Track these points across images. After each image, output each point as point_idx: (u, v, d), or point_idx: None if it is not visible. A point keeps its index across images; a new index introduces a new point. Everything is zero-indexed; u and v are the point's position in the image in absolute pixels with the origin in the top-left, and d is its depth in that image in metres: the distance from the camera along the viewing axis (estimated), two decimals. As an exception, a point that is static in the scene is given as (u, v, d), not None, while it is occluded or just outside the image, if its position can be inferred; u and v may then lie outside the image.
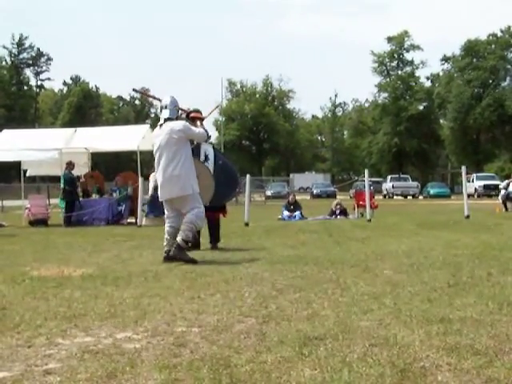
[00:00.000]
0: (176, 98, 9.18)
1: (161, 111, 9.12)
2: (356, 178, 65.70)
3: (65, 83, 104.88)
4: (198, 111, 9.84)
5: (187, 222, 8.60)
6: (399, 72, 78.99)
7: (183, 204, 8.72)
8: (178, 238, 8.52)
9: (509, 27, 73.89)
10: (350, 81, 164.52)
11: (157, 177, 9.09)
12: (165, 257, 8.58)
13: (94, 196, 20.13)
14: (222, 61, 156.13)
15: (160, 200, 8.99)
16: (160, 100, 9.38)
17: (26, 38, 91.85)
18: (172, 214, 8.91)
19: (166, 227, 8.93)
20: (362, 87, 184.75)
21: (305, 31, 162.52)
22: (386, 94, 79.19)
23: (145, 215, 18.65)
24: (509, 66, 73.88)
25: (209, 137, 9.74)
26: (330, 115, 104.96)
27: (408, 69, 79.03)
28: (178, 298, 5.75)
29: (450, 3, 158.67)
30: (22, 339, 4.33)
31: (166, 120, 8.86)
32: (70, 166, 19.29)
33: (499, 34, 74.66)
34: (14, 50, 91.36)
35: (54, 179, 22.56)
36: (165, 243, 8.81)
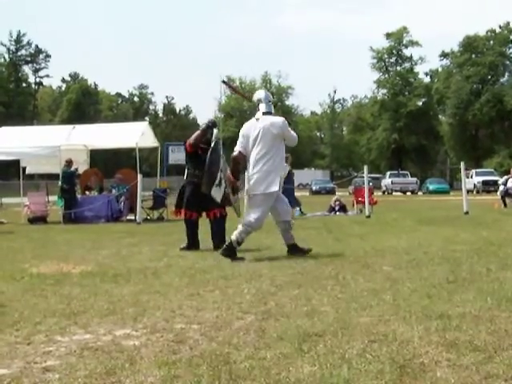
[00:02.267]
0: (268, 93, 9.01)
1: (257, 106, 8.71)
2: (355, 174, 65.67)
3: (63, 80, 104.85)
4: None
5: (247, 224, 8.40)
6: (398, 68, 79.02)
7: (258, 202, 8.48)
8: (233, 238, 8.36)
9: (507, 23, 73.92)
10: (348, 77, 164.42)
11: (248, 168, 8.63)
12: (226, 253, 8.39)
13: (93, 193, 20.11)
14: (221, 57, 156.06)
15: (248, 194, 8.56)
16: (248, 98, 9.28)
17: (24, 34, 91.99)
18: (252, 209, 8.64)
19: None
20: (361, 83, 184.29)
21: (303, 27, 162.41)
22: (384, 90, 79.25)
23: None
24: (507, 62, 73.92)
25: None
26: (328, 111, 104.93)
27: (407, 65, 79.08)
28: (177, 294, 5.75)
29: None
30: (21, 336, 4.33)
31: (264, 114, 8.56)
32: (70, 163, 19.31)
33: (498, 29, 74.72)
34: (12, 47, 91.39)
35: (53, 176, 22.54)
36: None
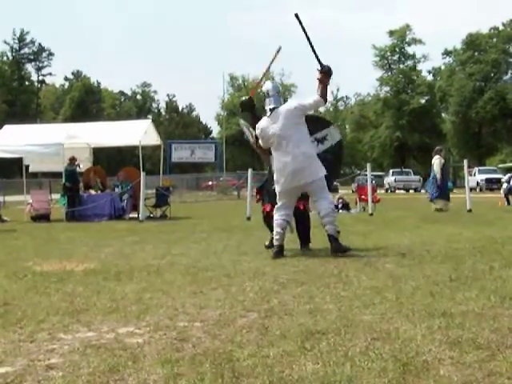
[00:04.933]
0: (277, 84, 8.75)
1: (264, 99, 8.54)
2: (358, 172, 65.58)
3: (66, 78, 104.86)
4: (327, 74, 8.45)
5: (329, 213, 8.21)
6: (401, 66, 78.78)
7: (315, 189, 8.28)
8: (331, 232, 8.14)
9: (510, 21, 73.67)
10: (351, 75, 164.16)
11: (279, 166, 8.28)
12: (276, 251, 8.19)
13: (93, 191, 20.11)
14: (224, 55, 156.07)
15: (288, 188, 8.25)
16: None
17: (28, 33, 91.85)
18: (289, 204, 8.41)
19: (279, 220, 8.37)
20: (364, 81, 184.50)
21: (306, 25, 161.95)
22: (387, 88, 79.01)
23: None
24: (510, 60, 73.67)
25: (326, 100, 8.47)
26: (331, 109, 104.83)
27: (410, 63, 78.80)
28: (180, 292, 5.76)
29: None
30: (25, 334, 4.34)
31: (271, 110, 8.38)
32: (73, 161, 19.33)
33: (501, 27, 74.47)
34: (16, 45, 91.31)
35: (56, 174, 22.54)
36: (277, 237, 8.32)
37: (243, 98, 9.36)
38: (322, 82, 8.31)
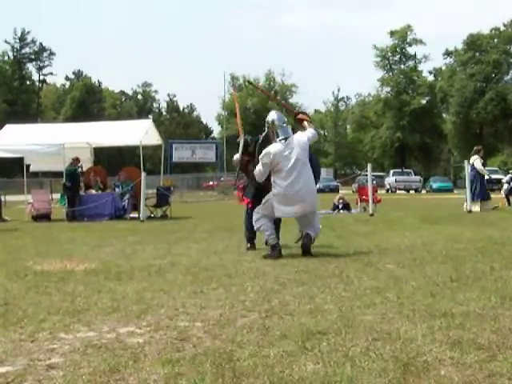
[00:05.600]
0: (281, 114, 8.98)
1: (267, 127, 8.77)
2: (359, 172, 65.57)
3: (67, 78, 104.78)
4: (305, 113, 9.64)
5: (317, 233, 8.63)
6: (402, 66, 78.78)
7: (311, 219, 8.58)
8: (312, 234, 8.46)
9: (511, 21, 73.68)
10: (352, 75, 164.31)
11: (288, 189, 8.32)
12: (274, 252, 8.32)
13: (97, 191, 20.12)
14: (225, 55, 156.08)
15: (292, 212, 8.44)
16: (270, 96, 9.40)
17: (29, 32, 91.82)
18: (272, 218, 8.64)
19: (264, 224, 8.56)
20: (365, 81, 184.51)
21: (307, 25, 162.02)
22: (388, 89, 79.02)
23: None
24: (511, 60, 73.66)
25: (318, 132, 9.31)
26: (332, 109, 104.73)
27: (411, 63, 78.82)
28: (180, 292, 5.76)
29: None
30: (25, 334, 4.34)
31: (284, 139, 8.49)
32: (76, 161, 19.36)
33: (502, 28, 74.42)
34: (17, 45, 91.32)
35: (57, 174, 22.55)
36: (271, 237, 8.48)
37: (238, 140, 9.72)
38: (304, 119, 9.05)
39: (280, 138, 8.50)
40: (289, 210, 8.41)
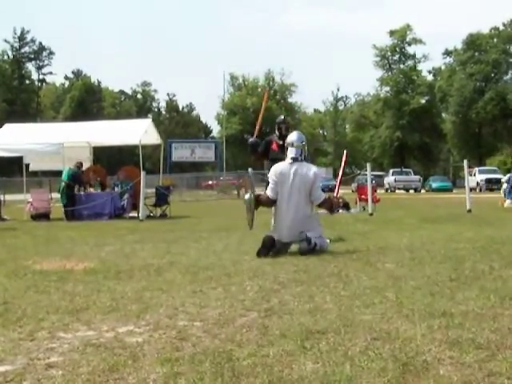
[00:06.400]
0: (302, 135, 9.19)
1: (286, 148, 8.94)
2: (358, 171, 65.59)
3: (66, 77, 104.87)
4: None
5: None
6: (401, 66, 78.73)
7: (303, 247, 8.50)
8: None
9: (511, 21, 73.70)
10: (351, 74, 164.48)
11: (281, 214, 8.65)
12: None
13: (91, 189, 20.11)
14: (224, 55, 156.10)
15: (285, 241, 8.55)
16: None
17: (28, 31, 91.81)
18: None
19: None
20: (364, 81, 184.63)
21: (307, 25, 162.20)
22: (387, 88, 78.97)
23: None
24: (511, 60, 73.67)
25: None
26: (331, 109, 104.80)
27: (410, 62, 78.77)
28: (179, 291, 5.75)
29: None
30: (25, 333, 4.34)
31: (292, 159, 8.74)
32: (80, 165, 19.41)
33: (501, 27, 74.49)
34: (16, 44, 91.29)
35: (56, 173, 22.54)
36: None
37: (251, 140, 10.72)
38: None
39: (289, 156, 8.78)
40: (278, 234, 8.56)
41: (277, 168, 8.80)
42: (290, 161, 8.74)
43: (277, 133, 10.83)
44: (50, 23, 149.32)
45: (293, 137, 9.08)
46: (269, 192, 8.77)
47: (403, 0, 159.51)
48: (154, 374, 3.38)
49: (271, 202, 8.80)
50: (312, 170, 8.78)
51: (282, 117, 11.52)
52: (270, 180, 8.80)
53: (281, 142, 10.59)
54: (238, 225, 13.98)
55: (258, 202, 8.85)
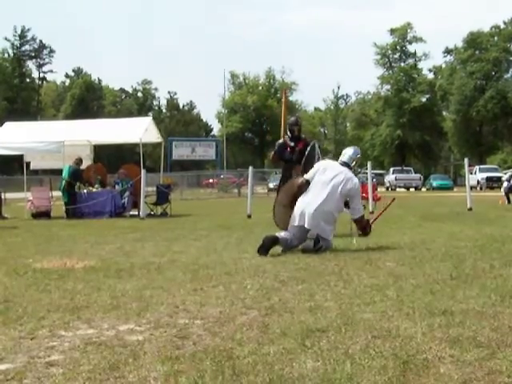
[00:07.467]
0: (358, 150, 9.37)
1: (341, 162, 9.04)
2: (359, 170, 65.58)
3: (67, 75, 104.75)
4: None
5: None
6: (402, 64, 78.69)
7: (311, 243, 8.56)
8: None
9: (512, 19, 73.60)
10: (352, 73, 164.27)
11: (305, 202, 8.64)
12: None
13: (92, 188, 20.10)
14: (225, 53, 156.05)
15: (307, 227, 8.47)
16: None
17: (29, 29, 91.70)
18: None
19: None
20: (365, 79, 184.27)
21: (307, 23, 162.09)
22: (388, 86, 78.94)
23: None
24: (511, 58, 73.62)
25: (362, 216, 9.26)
26: (332, 107, 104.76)
27: (410, 61, 78.73)
28: (180, 290, 5.75)
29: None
30: (25, 331, 4.34)
31: (341, 163, 8.94)
32: (79, 161, 19.38)
33: (502, 25, 74.36)
34: (17, 42, 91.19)
35: (57, 172, 22.53)
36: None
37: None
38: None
39: (341, 159, 9.04)
40: (298, 219, 8.52)
41: (327, 161, 9.36)
42: (341, 162, 8.96)
43: (289, 134, 10.69)
44: (50, 21, 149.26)
45: (349, 150, 9.21)
46: (306, 176, 8.93)
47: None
48: (154, 372, 3.38)
49: (307, 184, 8.83)
50: (355, 181, 8.90)
51: (295, 118, 11.37)
52: (314, 166, 9.04)
53: (292, 144, 10.54)
54: (238, 223, 13.98)
55: (300, 189, 8.88)
